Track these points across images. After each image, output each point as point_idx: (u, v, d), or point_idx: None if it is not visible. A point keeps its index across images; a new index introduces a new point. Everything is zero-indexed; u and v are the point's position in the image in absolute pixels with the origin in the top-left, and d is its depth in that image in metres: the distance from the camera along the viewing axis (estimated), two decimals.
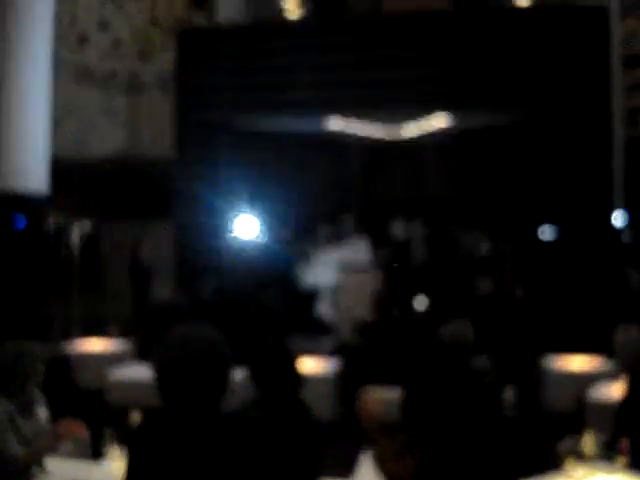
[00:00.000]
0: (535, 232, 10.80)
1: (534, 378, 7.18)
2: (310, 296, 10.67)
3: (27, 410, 3.98)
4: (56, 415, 4.44)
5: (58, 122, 14.65)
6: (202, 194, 11.91)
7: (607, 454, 3.76)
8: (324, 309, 10.63)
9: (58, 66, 14.26)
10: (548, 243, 10.60)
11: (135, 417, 3.96)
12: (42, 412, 4.08)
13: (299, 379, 3.63)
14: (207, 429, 2.43)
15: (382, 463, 3.08)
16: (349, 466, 4.66)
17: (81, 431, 4.09)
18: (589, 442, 3.76)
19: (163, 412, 2.49)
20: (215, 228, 11.85)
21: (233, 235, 11.42)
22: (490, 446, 3.63)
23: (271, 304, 10.22)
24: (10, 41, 8.96)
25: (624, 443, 3.70)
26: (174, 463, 2.43)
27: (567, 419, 6.00)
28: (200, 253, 11.74)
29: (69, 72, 15.04)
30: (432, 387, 3.94)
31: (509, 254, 9.61)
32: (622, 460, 3.68)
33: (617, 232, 10.86)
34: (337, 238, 11.23)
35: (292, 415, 3.52)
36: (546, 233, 10.83)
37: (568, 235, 10.30)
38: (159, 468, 2.45)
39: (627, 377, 4.20)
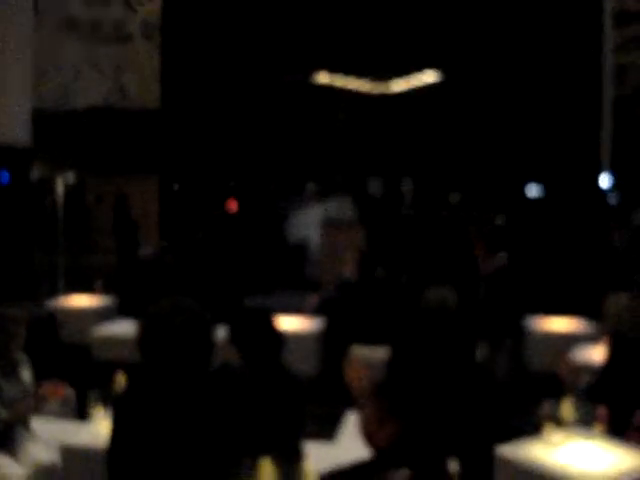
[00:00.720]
0: (522, 190, 10.81)
1: (517, 339, 7.24)
2: (296, 252, 10.72)
3: (10, 372, 4.00)
4: (41, 373, 4.46)
5: (42, 73, 14.46)
6: (188, 146, 11.84)
7: (585, 419, 3.81)
8: (309, 265, 10.68)
9: (41, 16, 14.04)
10: (534, 202, 10.62)
11: (120, 378, 3.97)
12: (26, 374, 4.09)
13: (279, 340, 3.64)
14: (189, 391, 2.47)
15: (364, 428, 3.13)
16: (332, 424, 4.74)
17: (65, 392, 4.11)
18: (567, 407, 3.81)
19: (147, 377, 2.52)
20: (200, 182, 11.81)
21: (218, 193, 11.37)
22: (471, 411, 3.69)
23: (256, 260, 10.25)
24: None
25: (602, 410, 3.75)
26: (158, 425, 2.46)
27: (548, 380, 6.07)
28: (185, 207, 11.70)
29: (53, 22, 14.76)
30: (417, 353, 3.99)
31: (494, 214, 9.60)
32: (600, 426, 3.74)
33: (603, 194, 10.87)
34: (322, 195, 11.24)
35: (273, 376, 3.54)
36: (532, 191, 10.84)
37: (554, 194, 10.32)
38: (143, 431, 2.48)
39: (610, 342, 4.24)
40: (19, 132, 8.97)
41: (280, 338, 3.66)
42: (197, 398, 2.49)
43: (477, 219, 8.43)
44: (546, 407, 4.27)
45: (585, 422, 3.82)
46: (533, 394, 5.37)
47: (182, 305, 2.52)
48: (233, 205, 10.64)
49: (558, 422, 3.73)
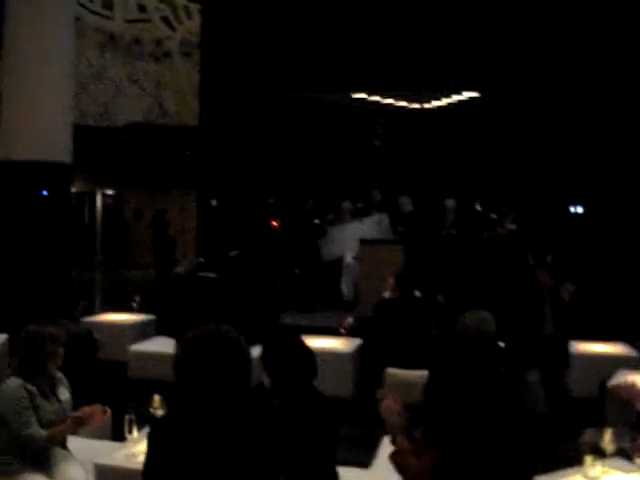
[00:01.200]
0: (566, 210, 10.62)
1: (560, 362, 7.12)
2: (333, 271, 10.67)
3: (48, 392, 4.01)
4: (79, 391, 4.47)
5: (84, 90, 14.67)
6: (226, 163, 11.90)
7: (626, 452, 3.71)
8: (346, 284, 10.62)
9: (83, 33, 14.26)
10: (576, 222, 10.43)
11: (157, 400, 3.97)
12: (63, 393, 4.10)
13: (310, 365, 3.59)
14: (225, 419, 2.45)
15: (398, 461, 3.06)
16: (369, 448, 4.67)
17: (102, 417, 4.11)
18: (608, 438, 3.70)
19: (183, 403, 2.51)
20: (239, 198, 11.84)
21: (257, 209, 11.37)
22: (511, 440, 3.59)
23: (292, 278, 10.24)
24: (35, 7, 8.87)
25: None
26: (194, 451, 2.45)
27: (590, 404, 5.94)
28: (222, 223, 11.72)
29: (94, 39, 14.98)
30: (455, 380, 3.90)
31: (537, 234, 9.43)
32: None
33: None
34: (360, 213, 11.20)
35: (303, 400, 3.49)
36: (575, 211, 10.65)
37: (598, 216, 10.11)
38: (179, 458, 2.48)
39: None
40: (60, 150, 9.05)
41: (311, 362, 3.62)
42: (233, 426, 2.46)
43: (534, 246, 8.21)
44: (587, 435, 4.16)
45: (627, 453, 3.72)
46: (575, 421, 5.27)
47: (218, 332, 2.50)
48: (275, 224, 10.66)
49: (598, 452, 3.63)
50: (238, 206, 11.76)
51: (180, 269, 7.55)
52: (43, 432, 3.86)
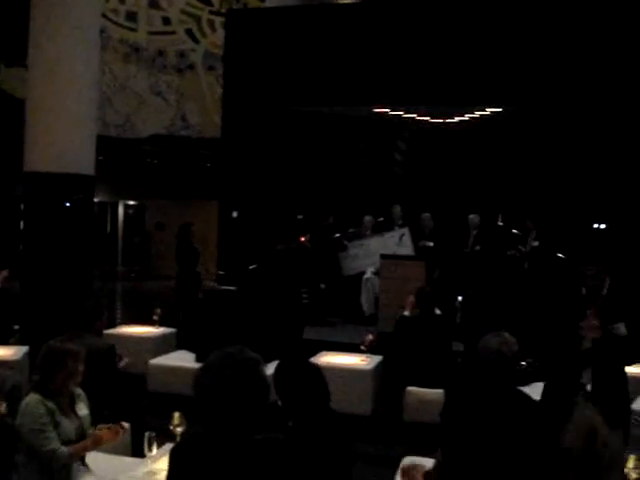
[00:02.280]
0: (589, 227, 10.49)
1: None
2: (353, 285, 10.65)
3: (68, 408, 4.02)
4: (99, 405, 4.48)
5: (107, 101, 14.79)
6: (247, 175, 11.92)
7: None
8: (366, 299, 10.59)
9: (107, 45, 14.39)
10: (600, 239, 10.31)
11: (176, 418, 3.96)
12: (82, 409, 4.11)
13: (323, 392, 3.57)
14: (243, 453, 2.48)
15: None
16: (388, 467, 4.63)
17: (117, 437, 4.11)
18: (632, 464, 3.63)
19: (203, 425, 2.54)
20: (260, 211, 11.85)
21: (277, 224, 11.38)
22: (531, 465, 3.54)
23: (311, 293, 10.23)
24: (59, 19, 8.95)
25: None
26: (213, 474, 2.49)
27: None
28: (243, 236, 11.74)
29: (118, 51, 15.11)
30: (474, 404, 3.86)
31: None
32: None
33: None
34: (381, 227, 11.18)
35: (319, 427, 3.47)
36: (600, 229, 10.52)
37: (620, 235, 9.98)
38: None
39: None
40: (83, 162, 9.11)
41: (322, 387, 3.59)
42: (250, 448, 2.50)
43: (586, 277, 7.93)
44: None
45: None
46: None
47: (238, 355, 2.54)
48: (303, 239, 10.71)
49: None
50: (259, 218, 11.78)
51: (211, 284, 7.55)
52: (65, 449, 3.87)
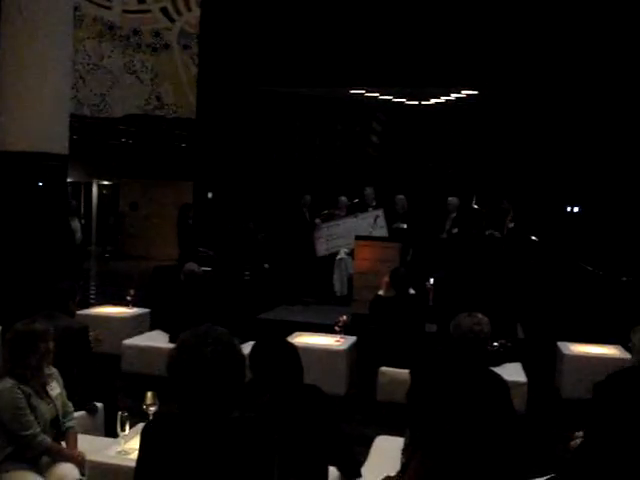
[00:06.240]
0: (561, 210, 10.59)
1: (550, 363, 7.14)
2: (326, 266, 10.66)
3: (42, 390, 4.00)
4: (73, 385, 4.46)
5: (81, 80, 14.62)
6: (222, 155, 11.87)
7: None
8: (338, 280, 10.61)
9: (81, 23, 14.20)
10: (574, 223, 10.41)
11: (149, 398, 3.96)
12: (54, 388, 4.09)
13: (297, 366, 3.57)
14: (219, 428, 2.45)
15: None
16: (363, 446, 4.67)
17: (80, 459, 4.05)
18: None
19: (177, 407, 2.51)
20: (234, 191, 11.82)
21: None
22: (498, 446, 3.59)
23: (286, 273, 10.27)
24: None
25: None
26: (186, 458, 2.45)
27: (581, 406, 5.95)
28: (218, 216, 11.72)
29: (92, 29, 14.92)
30: (440, 382, 3.90)
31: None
32: None
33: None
34: (356, 208, 11.18)
35: (295, 401, 3.48)
36: (572, 210, 10.62)
37: (593, 218, 10.08)
38: (170, 463, 2.48)
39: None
40: (56, 140, 8.99)
41: (296, 361, 3.59)
42: (226, 425, 2.46)
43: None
44: (578, 440, 4.17)
45: None
46: (567, 422, 5.28)
47: (212, 334, 2.49)
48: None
49: None
50: (234, 199, 11.75)
51: (193, 267, 7.53)
52: (47, 439, 3.89)
